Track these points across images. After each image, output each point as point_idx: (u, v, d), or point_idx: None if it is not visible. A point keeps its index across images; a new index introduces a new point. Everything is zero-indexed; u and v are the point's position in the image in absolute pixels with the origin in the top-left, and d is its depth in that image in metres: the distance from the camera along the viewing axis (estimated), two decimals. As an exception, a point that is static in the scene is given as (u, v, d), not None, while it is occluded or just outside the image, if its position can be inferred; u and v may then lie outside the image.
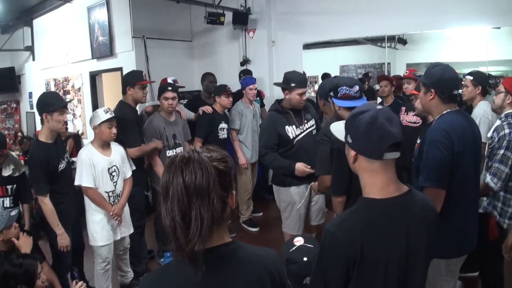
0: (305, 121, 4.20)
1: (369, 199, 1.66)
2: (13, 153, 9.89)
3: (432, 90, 2.62)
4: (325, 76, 7.38)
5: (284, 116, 4.12)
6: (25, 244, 3.32)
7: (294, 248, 2.11)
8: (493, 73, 6.01)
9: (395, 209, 1.63)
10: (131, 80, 4.37)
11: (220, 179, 1.31)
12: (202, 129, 5.37)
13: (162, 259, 4.99)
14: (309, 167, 3.93)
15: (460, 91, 2.82)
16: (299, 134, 4.13)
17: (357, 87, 3.01)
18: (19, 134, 9.84)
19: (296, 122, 4.13)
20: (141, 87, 4.39)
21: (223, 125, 5.51)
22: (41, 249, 3.68)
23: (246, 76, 6.25)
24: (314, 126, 4.26)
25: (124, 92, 4.39)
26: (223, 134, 5.53)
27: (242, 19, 7.09)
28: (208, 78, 6.14)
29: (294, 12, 7.05)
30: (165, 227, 1.29)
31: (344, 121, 1.78)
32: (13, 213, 3.35)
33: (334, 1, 6.61)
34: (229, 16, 6.93)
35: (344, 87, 3.00)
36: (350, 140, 1.68)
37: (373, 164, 1.63)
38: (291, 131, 4.10)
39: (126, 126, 4.20)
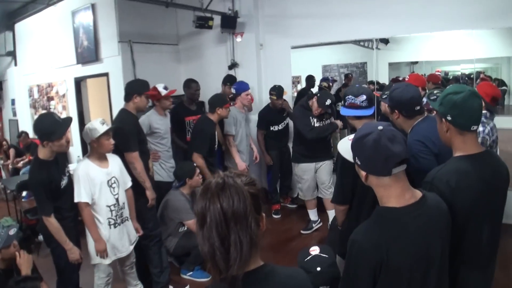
0: (324, 118, 5.50)
1: (389, 208, 1.74)
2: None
3: (396, 111, 2.88)
4: (309, 78, 7.38)
5: (308, 110, 5.45)
6: (26, 263, 3.25)
7: (309, 258, 2.13)
8: (476, 70, 6.07)
9: (415, 215, 1.71)
10: (140, 88, 4.35)
11: (253, 202, 1.32)
12: (204, 144, 5.18)
13: (190, 273, 4.89)
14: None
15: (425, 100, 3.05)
16: (317, 126, 5.46)
17: (363, 97, 2.99)
18: (4, 143, 9.66)
19: (316, 117, 5.43)
20: (147, 96, 4.42)
21: (216, 135, 5.42)
22: (36, 267, 3.58)
23: (240, 82, 6.25)
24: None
25: (128, 99, 4.33)
26: (216, 144, 5.44)
27: (230, 23, 7.03)
28: (192, 86, 5.97)
29: (282, 15, 7.01)
30: (202, 253, 1.30)
31: (350, 139, 1.87)
32: (12, 232, 3.28)
33: (321, 5, 6.58)
34: (216, 20, 6.86)
35: (350, 96, 3.03)
36: (359, 162, 1.78)
37: (384, 180, 1.73)
38: (312, 121, 5.43)
39: (126, 132, 4.15)
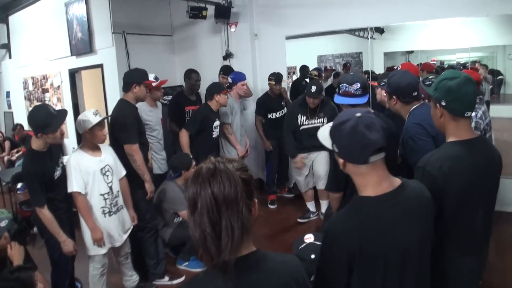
0: (316, 117, 5.34)
1: (364, 197, 1.73)
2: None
3: (394, 96, 2.95)
4: (303, 68, 7.38)
5: (301, 107, 5.39)
6: (17, 254, 3.24)
7: (303, 245, 2.14)
8: (471, 59, 6.09)
9: (390, 204, 1.69)
10: (139, 78, 4.26)
11: (245, 188, 1.32)
12: (195, 124, 5.28)
13: (186, 263, 4.90)
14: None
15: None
16: (306, 124, 5.39)
17: (358, 85, 3.01)
18: (0, 135, 9.63)
19: (308, 115, 5.37)
20: (146, 86, 4.33)
21: (217, 123, 5.43)
22: (31, 257, 3.58)
23: (237, 72, 6.26)
24: (324, 123, 5.25)
25: (128, 89, 4.23)
26: (216, 133, 5.47)
27: (224, 13, 7.00)
28: (193, 76, 6.02)
29: (276, 5, 6.99)
30: (194, 239, 1.31)
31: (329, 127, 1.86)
32: (3, 223, 3.26)
33: (316, -7, 6.56)
34: (210, 10, 6.83)
35: (344, 84, 3.05)
36: (336, 150, 1.76)
37: (361, 168, 1.70)
38: (300, 120, 5.39)
39: (126, 123, 4.10)
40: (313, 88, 5.16)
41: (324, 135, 1.87)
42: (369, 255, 1.63)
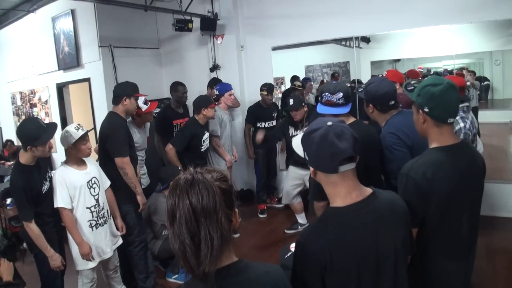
0: (302, 126, 5.38)
1: (334, 208, 1.72)
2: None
3: (371, 105, 2.94)
4: (294, 78, 7.40)
5: (291, 118, 5.49)
6: (6, 270, 3.21)
7: (289, 254, 2.12)
8: (457, 66, 6.15)
9: (360, 213, 1.68)
10: (129, 90, 4.25)
11: (224, 197, 1.32)
12: (182, 141, 5.21)
13: (175, 276, 4.86)
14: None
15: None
16: (294, 135, 5.32)
17: (340, 94, 2.94)
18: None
19: (296, 125, 5.47)
20: (136, 99, 4.33)
21: (206, 135, 5.42)
22: (19, 274, 3.54)
23: (223, 83, 6.29)
24: None
25: (117, 102, 4.22)
26: (205, 146, 5.44)
27: (210, 25, 7.04)
28: (179, 89, 5.99)
29: (262, 16, 7.05)
30: (174, 250, 1.30)
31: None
32: None
33: (301, 4, 6.63)
34: (196, 22, 6.87)
35: (327, 93, 2.98)
36: (307, 158, 1.76)
37: (331, 177, 1.70)
38: (290, 131, 5.55)
39: (117, 136, 4.08)
40: (291, 101, 5.26)
41: (297, 143, 1.87)
42: (340, 266, 1.61)
